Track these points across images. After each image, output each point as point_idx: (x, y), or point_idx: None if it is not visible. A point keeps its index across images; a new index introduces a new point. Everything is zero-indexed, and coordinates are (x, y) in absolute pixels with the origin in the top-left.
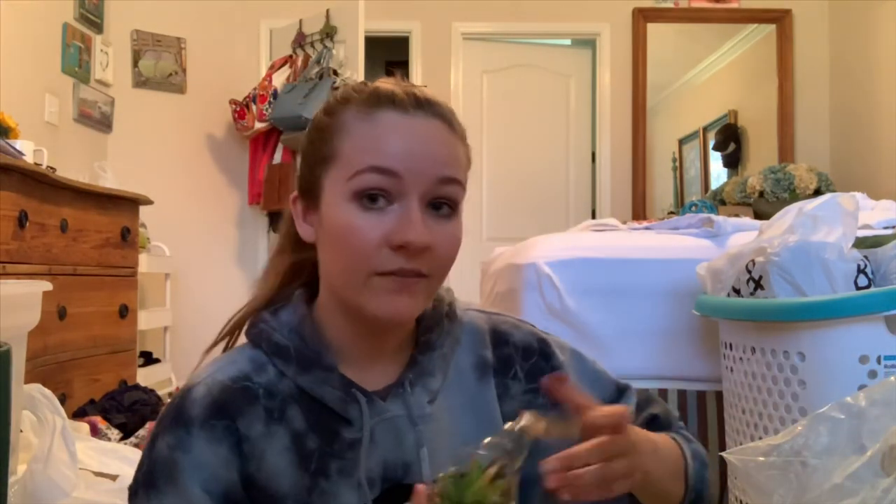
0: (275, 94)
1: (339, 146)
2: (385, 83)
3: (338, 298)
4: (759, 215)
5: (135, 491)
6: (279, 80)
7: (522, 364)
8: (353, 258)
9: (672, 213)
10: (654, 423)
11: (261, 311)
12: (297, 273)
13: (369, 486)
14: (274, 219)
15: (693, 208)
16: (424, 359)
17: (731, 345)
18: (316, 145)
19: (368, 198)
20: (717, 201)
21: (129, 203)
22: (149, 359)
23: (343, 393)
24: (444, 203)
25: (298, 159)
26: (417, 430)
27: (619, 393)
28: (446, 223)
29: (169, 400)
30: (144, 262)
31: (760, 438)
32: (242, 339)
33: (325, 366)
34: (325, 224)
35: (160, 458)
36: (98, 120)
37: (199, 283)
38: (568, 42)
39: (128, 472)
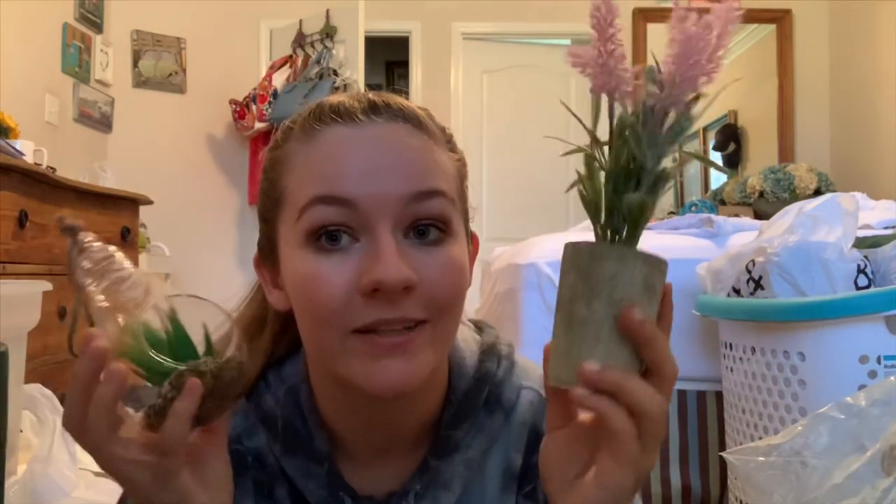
0: (275, 94)
1: (285, 183)
2: (335, 97)
3: (324, 374)
4: (759, 215)
5: None
6: (279, 80)
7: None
8: (320, 316)
9: (672, 213)
10: None
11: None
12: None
13: None
14: None
15: (693, 208)
16: (441, 465)
17: (731, 345)
18: (265, 191)
19: (327, 236)
20: (717, 201)
21: (129, 203)
22: None
23: (329, 494)
24: (429, 225)
25: None
26: None
27: None
28: (436, 250)
29: None
30: (144, 262)
31: (760, 438)
32: None
33: (315, 453)
34: (286, 280)
35: None
36: (98, 120)
37: (199, 283)
38: (568, 42)
39: None
